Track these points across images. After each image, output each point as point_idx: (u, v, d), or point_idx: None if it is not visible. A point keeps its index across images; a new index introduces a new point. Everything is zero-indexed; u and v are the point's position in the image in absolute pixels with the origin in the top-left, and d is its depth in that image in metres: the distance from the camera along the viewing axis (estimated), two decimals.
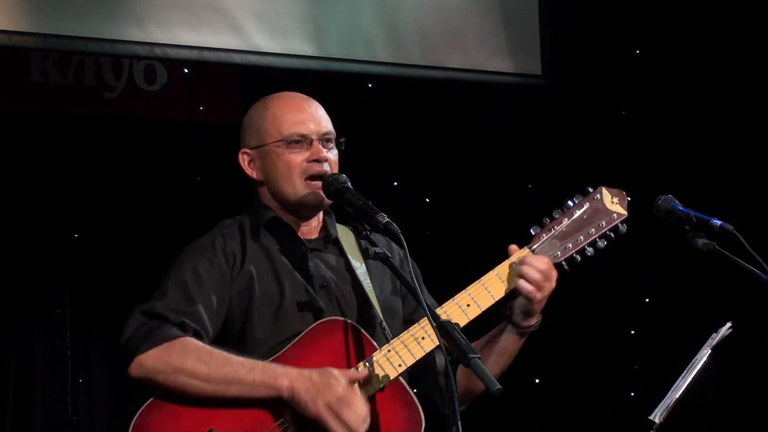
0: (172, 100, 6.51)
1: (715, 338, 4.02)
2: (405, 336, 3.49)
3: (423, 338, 3.46)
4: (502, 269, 3.56)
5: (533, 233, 3.61)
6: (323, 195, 3.60)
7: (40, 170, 6.09)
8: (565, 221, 3.61)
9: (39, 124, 6.13)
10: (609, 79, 6.91)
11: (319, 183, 3.60)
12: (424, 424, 3.44)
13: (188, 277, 3.51)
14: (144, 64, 6.39)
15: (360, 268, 3.66)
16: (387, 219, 3.40)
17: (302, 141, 3.62)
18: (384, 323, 3.59)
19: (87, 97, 6.32)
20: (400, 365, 3.45)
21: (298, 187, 3.61)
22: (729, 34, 6.68)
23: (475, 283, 3.55)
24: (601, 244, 3.62)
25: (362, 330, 3.49)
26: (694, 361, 3.99)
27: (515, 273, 3.53)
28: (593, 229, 3.61)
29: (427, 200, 6.90)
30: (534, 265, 3.51)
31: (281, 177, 3.62)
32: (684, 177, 6.50)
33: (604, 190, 3.66)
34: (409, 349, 3.47)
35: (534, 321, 3.60)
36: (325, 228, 3.71)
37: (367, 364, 3.44)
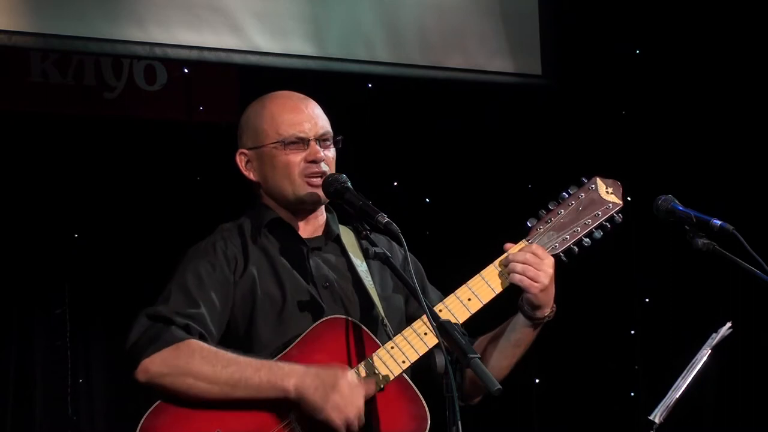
0: (172, 100, 6.51)
1: (715, 338, 4.01)
2: (407, 332, 3.49)
3: (426, 333, 3.47)
4: (502, 262, 3.56)
5: (530, 225, 3.62)
6: (322, 192, 3.60)
7: (40, 170, 6.09)
8: (562, 212, 3.62)
9: (39, 124, 6.13)
10: (609, 79, 6.91)
11: (317, 180, 3.60)
12: (429, 420, 3.44)
13: (190, 281, 3.51)
14: (144, 64, 6.39)
15: (361, 266, 3.66)
16: (387, 219, 3.40)
17: (300, 142, 3.63)
18: (386, 321, 3.59)
19: (87, 97, 6.32)
20: (403, 361, 3.45)
21: (296, 185, 3.61)
22: (729, 34, 6.68)
23: (475, 276, 3.55)
24: (598, 234, 3.62)
25: (364, 327, 3.50)
26: (694, 361, 3.99)
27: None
28: (589, 220, 3.62)
29: (427, 200, 6.90)
30: (517, 258, 3.52)
31: (279, 176, 3.62)
32: (684, 177, 6.50)
33: (599, 180, 3.67)
34: (412, 345, 3.47)
35: (547, 311, 3.59)
36: (327, 226, 3.71)
37: (370, 361, 3.44)
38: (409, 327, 3.51)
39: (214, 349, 3.43)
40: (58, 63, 6.21)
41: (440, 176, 6.82)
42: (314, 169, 3.61)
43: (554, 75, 6.67)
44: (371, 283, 3.64)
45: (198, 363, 3.39)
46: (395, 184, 6.82)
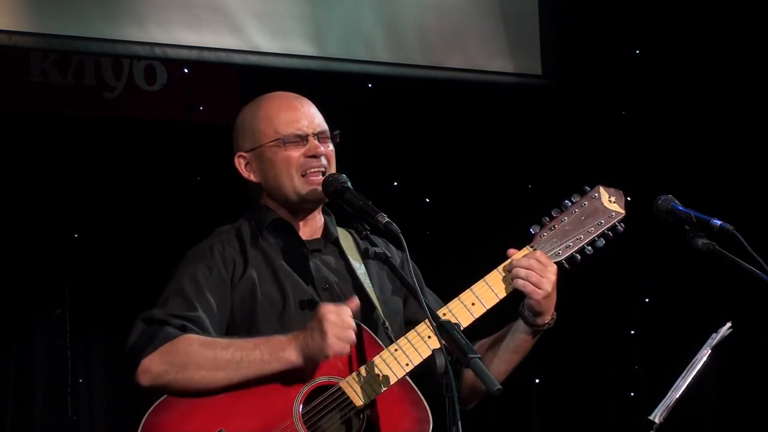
0: (172, 100, 6.51)
1: (715, 338, 4.01)
2: (411, 335, 3.50)
3: (429, 337, 3.47)
4: (505, 268, 3.57)
5: (533, 232, 3.62)
6: (322, 190, 3.60)
7: (40, 170, 6.09)
8: (565, 220, 3.63)
9: (39, 124, 6.13)
10: (609, 79, 6.91)
11: (318, 177, 3.61)
12: (432, 423, 3.45)
13: (187, 284, 3.51)
14: (144, 64, 6.39)
15: (360, 269, 3.67)
16: (387, 219, 3.41)
17: (298, 139, 3.63)
18: (387, 323, 3.60)
19: (87, 97, 6.32)
20: (407, 364, 3.46)
21: (297, 183, 3.62)
22: (729, 34, 6.68)
23: (479, 281, 3.56)
24: (600, 243, 3.64)
25: (367, 329, 3.50)
26: (694, 361, 3.99)
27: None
28: (592, 228, 3.63)
29: (427, 200, 6.90)
30: (521, 264, 3.53)
31: (280, 174, 3.63)
32: (684, 177, 6.50)
33: (602, 189, 3.68)
34: (416, 348, 3.47)
35: (547, 319, 3.61)
36: (325, 228, 3.71)
37: (374, 363, 3.44)
38: (413, 330, 3.51)
39: (209, 338, 3.43)
40: (58, 63, 6.21)
41: (440, 176, 6.82)
42: (314, 163, 3.62)
43: (554, 75, 6.67)
44: (370, 285, 3.65)
45: (197, 352, 3.39)
46: (395, 184, 6.82)
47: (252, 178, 3.69)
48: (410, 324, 3.57)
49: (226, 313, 3.53)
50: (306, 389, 3.43)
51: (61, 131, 6.16)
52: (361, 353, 3.46)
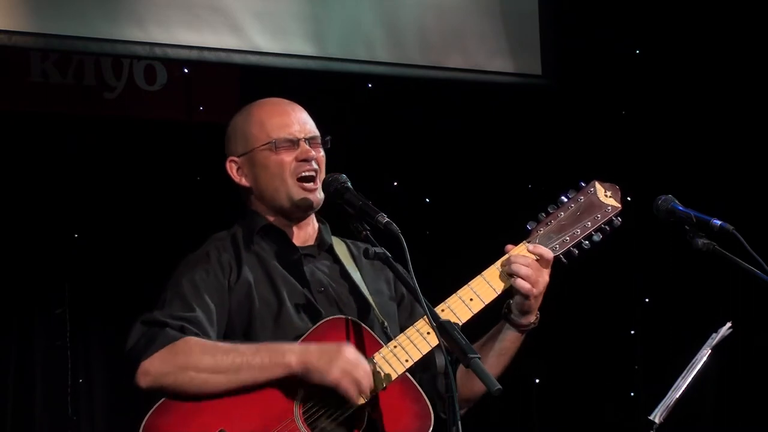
0: (172, 100, 6.51)
1: (715, 338, 4.02)
2: (410, 331, 3.50)
3: (428, 333, 3.47)
4: (503, 263, 3.58)
5: (530, 228, 3.65)
6: (315, 198, 3.62)
7: (40, 170, 6.09)
8: (561, 215, 3.65)
9: (39, 124, 6.13)
10: (609, 79, 6.91)
11: (310, 185, 3.63)
12: (433, 419, 3.46)
13: (185, 288, 3.52)
14: (144, 64, 6.39)
15: (355, 273, 3.69)
16: (387, 219, 3.42)
17: (290, 143, 3.65)
18: (385, 323, 3.60)
19: (87, 97, 6.32)
20: (407, 360, 3.46)
21: (290, 187, 3.63)
22: (729, 34, 6.68)
23: (476, 277, 3.57)
24: (597, 237, 3.65)
25: (366, 327, 3.51)
26: (694, 361, 3.99)
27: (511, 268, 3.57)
28: (589, 222, 3.65)
29: (427, 200, 6.90)
30: (520, 261, 3.54)
31: (273, 178, 3.64)
32: (684, 177, 6.50)
33: (598, 184, 3.70)
34: (415, 345, 3.48)
35: (533, 318, 3.62)
36: (319, 236, 3.73)
37: (374, 359, 3.44)
38: (411, 326, 3.52)
39: (210, 341, 3.44)
40: (58, 63, 6.21)
41: (440, 176, 6.82)
42: (306, 167, 3.63)
43: (554, 75, 6.67)
44: (366, 289, 3.66)
45: (197, 356, 3.39)
46: (395, 184, 6.82)
47: (244, 182, 3.70)
48: (405, 330, 3.58)
49: (225, 316, 3.54)
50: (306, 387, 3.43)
51: (61, 131, 6.16)
52: (361, 351, 3.45)
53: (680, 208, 3.81)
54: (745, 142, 6.70)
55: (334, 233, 3.76)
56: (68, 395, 6.12)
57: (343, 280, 3.67)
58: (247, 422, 3.40)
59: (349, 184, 3.56)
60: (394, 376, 3.44)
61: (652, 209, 3.87)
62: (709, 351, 4.00)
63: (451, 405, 3.17)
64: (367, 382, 3.37)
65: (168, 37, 5.69)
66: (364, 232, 3.50)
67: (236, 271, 3.58)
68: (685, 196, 3.87)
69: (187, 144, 6.33)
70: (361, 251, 3.73)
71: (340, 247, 3.74)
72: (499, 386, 3.15)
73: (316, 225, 3.74)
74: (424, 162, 6.76)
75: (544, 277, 3.55)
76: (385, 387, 3.43)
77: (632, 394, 6.96)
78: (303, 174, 3.63)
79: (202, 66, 6.21)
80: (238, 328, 3.53)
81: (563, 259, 3.62)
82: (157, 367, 3.39)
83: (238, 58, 5.89)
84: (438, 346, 3.31)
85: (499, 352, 3.63)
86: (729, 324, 4.04)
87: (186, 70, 6.44)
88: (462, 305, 3.53)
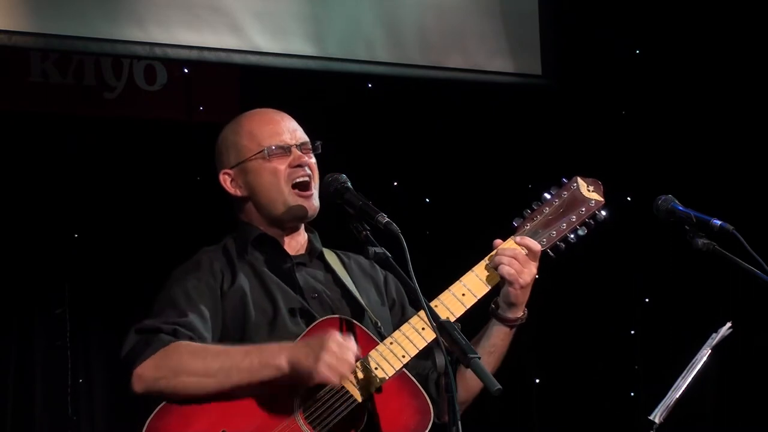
0: (172, 100, 6.51)
1: (715, 338, 4.01)
2: (405, 327, 3.52)
3: (423, 329, 3.49)
4: (492, 258, 3.61)
5: (516, 225, 3.69)
6: (311, 205, 3.65)
7: (40, 170, 6.09)
8: (546, 210, 3.70)
9: (39, 124, 6.13)
10: (609, 79, 6.91)
11: (306, 192, 3.65)
12: (433, 413, 3.47)
13: (177, 296, 3.54)
14: (144, 64, 6.39)
15: (346, 279, 3.72)
16: (387, 219, 3.43)
17: (282, 151, 3.66)
18: (380, 324, 3.62)
19: (87, 97, 6.32)
20: (403, 356, 3.47)
21: (286, 195, 3.66)
22: (729, 34, 6.68)
23: (467, 273, 3.60)
24: (582, 231, 3.69)
25: (361, 326, 3.53)
26: (694, 361, 3.99)
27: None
28: (574, 217, 3.69)
29: (427, 200, 6.90)
30: (506, 252, 3.57)
31: (268, 186, 3.66)
32: (684, 177, 6.50)
33: (580, 180, 3.75)
34: (410, 340, 3.49)
35: (520, 313, 3.63)
36: (310, 244, 3.76)
37: (371, 356, 3.45)
38: (406, 323, 3.53)
39: (201, 344, 3.46)
40: (58, 63, 6.21)
41: (440, 176, 6.82)
42: (300, 172, 3.65)
43: (554, 75, 6.67)
44: (358, 295, 3.68)
45: (188, 360, 3.40)
46: (395, 184, 6.82)
47: (238, 193, 3.72)
48: None
49: (218, 322, 3.55)
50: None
51: (61, 131, 6.16)
52: (360, 348, 3.46)
53: (680, 208, 3.81)
54: (745, 142, 6.70)
55: (326, 242, 3.78)
56: (68, 395, 6.12)
57: (335, 286, 3.70)
58: (249, 422, 3.40)
59: (349, 184, 3.57)
60: (391, 372, 3.45)
61: (652, 209, 3.87)
62: (709, 351, 4.00)
63: (452, 405, 3.16)
64: (346, 367, 3.35)
65: (168, 37, 5.69)
66: (364, 232, 3.50)
67: (230, 278, 3.60)
68: (685, 196, 3.87)
69: (187, 144, 6.33)
70: (351, 259, 3.79)
71: (330, 256, 3.77)
72: (499, 386, 3.15)
73: (306, 234, 3.78)
74: (424, 162, 6.76)
75: (531, 269, 3.58)
76: (383, 384, 3.44)
77: (632, 394, 6.96)
78: (297, 180, 3.66)
79: (202, 66, 6.21)
80: (233, 334, 3.55)
81: (551, 253, 3.66)
82: (150, 372, 3.41)
83: (238, 58, 5.89)
84: (437, 344, 3.31)
85: (489, 350, 3.64)
86: (729, 324, 4.04)
87: (186, 70, 6.44)
88: (455, 300, 3.55)
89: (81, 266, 6.16)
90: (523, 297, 3.60)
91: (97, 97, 6.34)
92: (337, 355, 3.35)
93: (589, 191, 3.73)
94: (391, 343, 3.49)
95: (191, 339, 3.46)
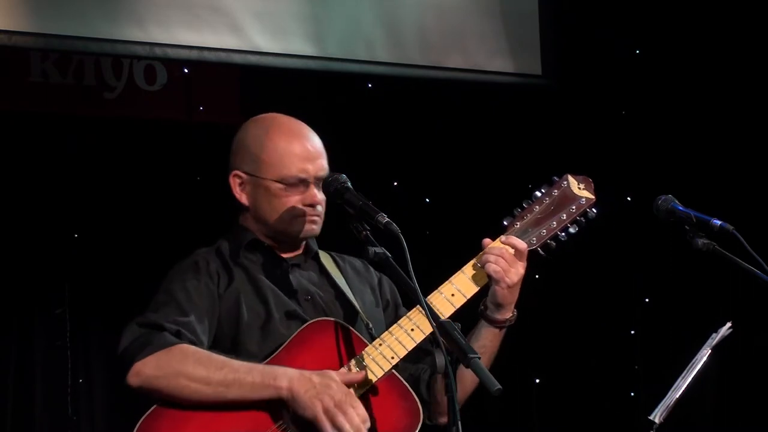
0: (172, 100, 6.51)
1: (715, 338, 4.01)
2: (394, 329, 3.53)
3: (412, 330, 3.51)
4: (480, 258, 3.61)
5: (506, 224, 3.68)
6: (314, 232, 3.66)
7: (40, 170, 6.09)
8: (536, 209, 3.69)
9: (39, 124, 6.12)
10: (609, 79, 6.91)
11: (313, 227, 3.64)
12: (422, 414, 3.47)
13: (178, 293, 3.53)
14: (144, 64, 6.39)
15: (340, 280, 3.72)
16: (387, 219, 3.43)
17: (300, 184, 3.63)
18: (371, 326, 3.63)
19: (87, 97, 6.32)
20: (392, 357, 3.48)
21: (291, 226, 3.65)
22: (729, 34, 6.68)
23: (457, 273, 3.60)
24: (573, 229, 3.69)
25: (351, 328, 3.53)
26: (694, 361, 3.99)
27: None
28: (564, 215, 3.69)
29: (427, 200, 6.90)
30: (493, 251, 3.57)
31: (275, 212, 3.64)
32: (684, 177, 6.50)
33: (570, 178, 3.76)
34: (399, 341, 3.50)
35: (509, 314, 3.63)
36: (306, 245, 3.75)
37: (360, 358, 3.46)
38: (395, 324, 3.54)
39: (206, 352, 3.46)
40: (58, 63, 6.21)
41: (440, 176, 6.82)
42: (311, 212, 3.64)
43: (554, 75, 6.67)
44: (352, 297, 3.68)
45: (191, 365, 3.40)
46: (395, 184, 6.82)
47: (243, 200, 3.69)
48: None
49: (214, 323, 3.56)
50: None
51: (61, 131, 6.16)
52: (349, 350, 3.48)
53: (680, 208, 3.81)
54: (745, 142, 6.70)
55: (326, 242, 3.78)
56: (68, 395, 6.12)
57: (329, 287, 3.70)
58: (240, 425, 3.41)
59: (349, 184, 3.57)
60: (380, 373, 3.46)
61: (652, 209, 3.87)
62: (709, 351, 4.00)
63: (451, 405, 3.16)
64: (349, 425, 3.34)
65: (168, 37, 5.68)
66: (364, 232, 3.50)
67: (225, 280, 3.60)
68: (685, 196, 3.87)
69: (187, 144, 6.33)
70: (346, 261, 3.79)
71: (325, 258, 3.77)
72: (499, 386, 3.15)
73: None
74: (424, 162, 6.76)
75: (518, 268, 3.57)
76: (372, 386, 3.44)
77: (632, 394, 6.96)
78: (308, 218, 3.64)
79: (202, 66, 6.20)
80: (227, 336, 3.56)
81: (541, 251, 3.65)
82: (150, 370, 3.40)
83: (238, 58, 5.88)
84: (437, 344, 3.31)
85: (479, 351, 3.64)
86: (729, 324, 4.04)
87: (186, 70, 6.44)
88: (444, 301, 3.55)
89: (81, 266, 6.16)
90: (511, 297, 3.60)
91: (97, 97, 6.34)
92: (339, 402, 3.34)
93: (579, 189, 3.72)
94: (381, 345, 3.49)
95: (192, 342, 3.46)
